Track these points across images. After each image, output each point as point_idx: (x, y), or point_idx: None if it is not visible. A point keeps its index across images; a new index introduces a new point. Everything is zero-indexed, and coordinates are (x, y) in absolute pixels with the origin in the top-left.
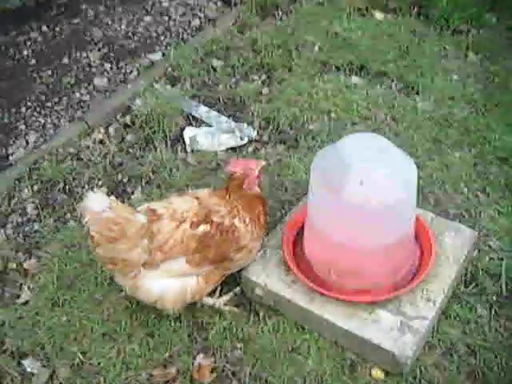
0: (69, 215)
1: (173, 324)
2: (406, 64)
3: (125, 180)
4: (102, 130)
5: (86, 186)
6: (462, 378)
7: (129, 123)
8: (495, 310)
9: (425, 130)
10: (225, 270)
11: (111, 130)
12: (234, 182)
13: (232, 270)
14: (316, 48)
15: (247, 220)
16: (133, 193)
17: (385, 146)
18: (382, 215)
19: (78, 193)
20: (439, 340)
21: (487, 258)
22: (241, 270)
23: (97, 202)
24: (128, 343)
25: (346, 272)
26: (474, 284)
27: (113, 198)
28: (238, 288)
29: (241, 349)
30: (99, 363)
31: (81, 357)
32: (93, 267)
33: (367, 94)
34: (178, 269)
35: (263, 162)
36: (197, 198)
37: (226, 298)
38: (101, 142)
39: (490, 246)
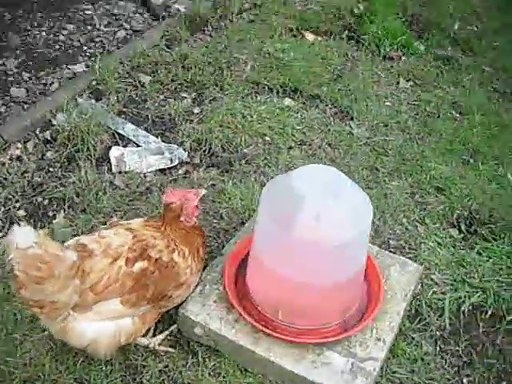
0: None
1: (103, 368)
2: (339, 88)
3: (45, 202)
4: (20, 146)
5: (2, 208)
6: None
7: (49, 139)
8: (440, 347)
9: (361, 157)
10: (162, 308)
11: (30, 145)
12: (171, 213)
13: (169, 307)
14: (248, 67)
15: (186, 254)
16: (54, 217)
17: (340, 179)
18: (337, 253)
19: None
20: (387, 380)
21: (430, 292)
22: (177, 307)
23: (22, 237)
24: None
25: (294, 311)
26: (418, 319)
27: (41, 231)
28: (175, 326)
29: None
30: None
31: None
32: (10, 302)
33: (301, 117)
34: (112, 310)
35: (203, 191)
36: (130, 230)
37: (160, 337)
38: (18, 158)
39: (432, 280)
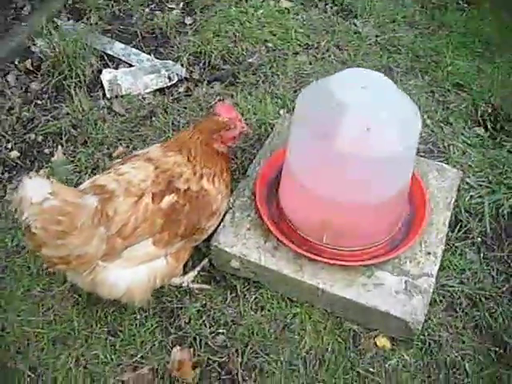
0: None
1: (137, 316)
2: None
3: (39, 139)
4: (0, 79)
5: None
6: (470, 334)
7: (31, 69)
8: (484, 253)
9: (372, 57)
10: (195, 242)
11: (10, 78)
12: (213, 125)
13: (202, 239)
14: None
15: (215, 177)
16: (52, 154)
17: (387, 86)
18: (385, 168)
19: None
20: (438, 294)
21: (468, 197)
22: (208, 239)
23: (35, 190)
24: (87, 348)
25: (339, 232)
26: (458, 226)
27: (53, 179)
28: (206, 260)
29: (223, 334)
30: (55, 379)
31: (30, 374)
32: (22, 254)
33: (303, 19)
34: (144, 253)
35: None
36: (149, 161)
37: (192, 274)
38: (1, 93)
39: (467, 183)
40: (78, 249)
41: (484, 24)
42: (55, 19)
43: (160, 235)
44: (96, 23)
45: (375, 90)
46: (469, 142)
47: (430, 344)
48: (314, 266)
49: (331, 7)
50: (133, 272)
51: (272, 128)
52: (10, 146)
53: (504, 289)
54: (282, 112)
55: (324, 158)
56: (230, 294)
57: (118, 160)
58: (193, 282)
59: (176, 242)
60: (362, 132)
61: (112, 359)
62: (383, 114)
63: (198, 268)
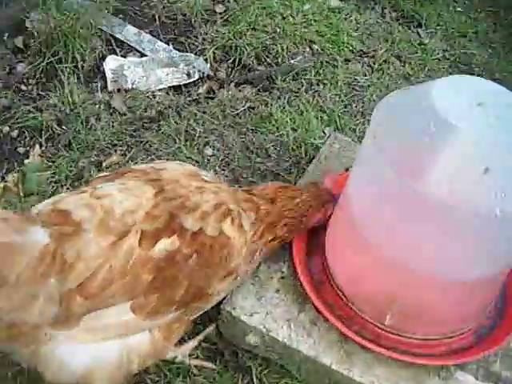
0: None
1: None
2: None
3: (14, 134)
4: None
5: None
6: None
7: (21, 47)
8: None
9: (440, 74)
10: (195, 312)
11: None
12: (325, 197)
13: (204, 310)
14: None
15: (246, 225)
16: (27, 155)
17: (510, 103)
18: (501, 230)
19: None
20: None
21: None
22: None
23: None
24: None
25: (409, 313)
26: None
27: None
28: (212, 327)
29: None
30: None
31: None
32: None
33: (356, 21)
34: (117, 323)
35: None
36: (154, 182)
37: (191, 344)
38: None
39: None
40: (10, 313)
41: None
42: None
43: (145, 299)
44: (107, 1)
45: (497, 111)
46: None
47: None
48: (368, 357)
49: (390, 12)
50: (96, 349)
51: (315, 150)
52: None
53: None
54: (327, 130)
55: (406, 206)
56: (242, 378)
57: (105, 173)
58: (191, 356)
59: (168, 312)
60: (475, 174)
61: None
62: (504, 147)
63: (200, 337)
